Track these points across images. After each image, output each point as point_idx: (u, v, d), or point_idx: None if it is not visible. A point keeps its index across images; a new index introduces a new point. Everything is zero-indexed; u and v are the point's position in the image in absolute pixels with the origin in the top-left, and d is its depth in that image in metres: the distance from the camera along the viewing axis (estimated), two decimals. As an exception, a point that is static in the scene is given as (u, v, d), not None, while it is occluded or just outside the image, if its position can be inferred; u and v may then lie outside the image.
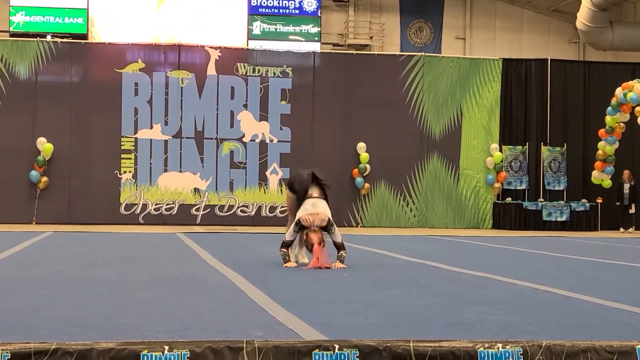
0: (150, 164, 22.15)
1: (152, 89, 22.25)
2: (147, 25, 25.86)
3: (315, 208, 9.91)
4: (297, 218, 9.82)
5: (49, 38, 23.83)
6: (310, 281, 8.40)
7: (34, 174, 21.47)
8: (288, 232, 9.93)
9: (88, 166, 21.94)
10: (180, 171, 22.19)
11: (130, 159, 22.08)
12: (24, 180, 21.53)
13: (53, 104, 21.91)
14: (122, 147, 22.07)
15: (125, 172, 22.05)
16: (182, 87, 22.38)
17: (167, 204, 22.15)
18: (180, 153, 22.26)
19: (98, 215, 21.63)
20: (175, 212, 22.15)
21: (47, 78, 22.13)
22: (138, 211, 21.99)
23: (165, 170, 22.21)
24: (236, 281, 8.16)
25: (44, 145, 21.43)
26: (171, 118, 22.28)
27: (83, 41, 24.02)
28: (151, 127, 22.21)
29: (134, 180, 22.04)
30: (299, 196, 10.07)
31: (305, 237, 9.72)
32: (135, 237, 16.45)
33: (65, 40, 23.46)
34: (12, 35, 24.89)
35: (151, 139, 22.17)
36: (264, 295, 7.01)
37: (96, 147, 22.04)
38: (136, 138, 22.11)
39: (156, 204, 22.09)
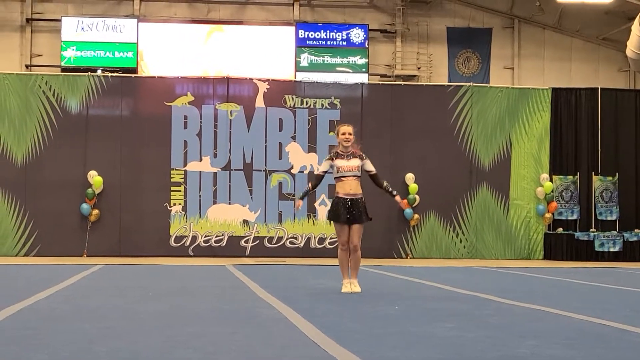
0: (200, 196, 22.26)
1: (201, 122, 22.41)
2: (196, 59, 26.10)
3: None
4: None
5: (99, 72, 24.14)
6: (361, 314, 8.34)
7: (85, 206, 21.67)
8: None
9: (138, 199, 22.09)
10: (230, 203, 22.26)
11: (180, 191, 22.21)
12: (75, 213, 21.73)
13: (104, 137, 22.14)
14: (172, 180, 22.21)
15: (175, 204, 22.17)
16: (230, 120, 22.50)
17: (217, 236, 22.21)
18: (230, 185, 22.34)
19: (148, 247, 21.75)
20: (224, 244, 22.20)
21: (98, 112, 22.38)
22: (188, 243, 22.08)
23: (215, 202, 22.30)
24: (287, 314, 8.12)
25: (95, 178, 21.64)
26: (220, 150, 22.39)
27: (133, 75, 24.31)
28: (200, 160, 22.34)
29: (183, 213, 22.15)
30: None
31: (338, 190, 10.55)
32: (186, 269, 16.50)
33: (115, 74, 23.74)
34: (64, 69, 25.26)
35: (200, 172, 22.29)
36: (315, 328, 6.96)
37: (146, 179, 22.20)
38: (186, 170, 22.24)
39: (206, 236, 22.17)
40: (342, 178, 10.61)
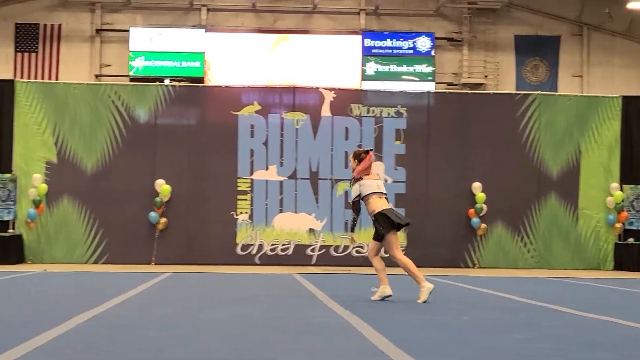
0: (266, 204, 22.34)
1: (267, 131, 22.50)
2: (263, 68, 26.25)
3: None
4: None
5: (167, 82, 24.42)
6: (429, 323, 8.30)
7: (153, 215, 21.89)
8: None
9: (205, 207, 22.24)
10: (296, 212, 22.30)
11: (246, 200, 22.32)
12: (144, 221, 21.96)
13: (171, 147, 22.35)
14: (238, 189, 22.32)
15: (241, 212, 22.28)
16: (297, 129, 22.56)
17: (283, 245, 22.27)
18: (296, 194, 22.38)
19: (215, 255, 21.87)
20: (290, 252, 22.25)
21: (166, 121, 22.60)
22: (254, 252, 22.17)
23: (281, 211, 22.36)
24: (355, 323, 8.11)
25: (162, 187, 21.85)
26: (286, 159, 22.46)
27: (200, 84, 24.52)
28: (267, 169, 22.42)
29: (250, 221, 22.25)
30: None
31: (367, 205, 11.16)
32: (252, 277, 16.57)
33: (183, 84, 23.97)
34: (132, 79, 25.60)
35: (267, 180, 22.38)
36: (383, 337, 6.94)
37: (213, 188, 22.35)
38: (252, 179, 22.33)
39: (272, 245, 22.25)
40: (373, 195, 11.23)
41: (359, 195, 11.21)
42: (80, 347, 6.41)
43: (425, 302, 10.67)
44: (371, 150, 11.74)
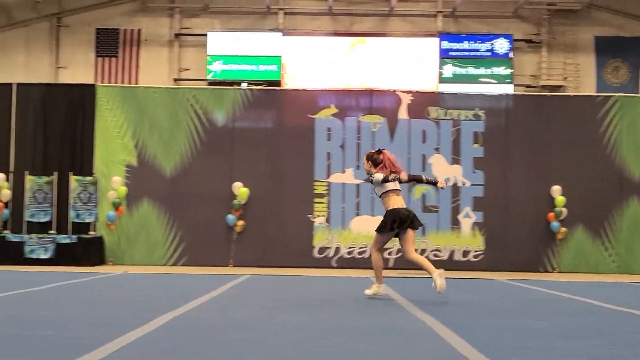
0: (343, 207, 22.33)
1: (344, 134, 22.49)
2: (339, 71, 26.25)
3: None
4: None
5: (244, 85, 24.57)
6: (510, 328, 8.18)
7: (230, 217, 22.04)
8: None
9: (282, 210, 22.32)
10: (373, 215, 22.22)
11: (323, 202, 22.34)
12: (221, 224, 22.13)
13: (249, 150, 22.49)
14: (315, 192, 22.35)
15: (318, 215, 22.31)
16: (373, 132, 22.51)
17: (360, 248, 22.23)
18: (372, 197, 22.31)
19: (291, 258, 21.93)
20: (367, 255, 22.17)
21: (243, 124, 22.74)
22: (331, 255, 22.18)
23: (358, 214, 22.33)
24: (435, 327, 8.03)
25: (240, 190, 21.99)
26: (363, 162, 22.37)
27: (277, 88, 24.62)
28: (343, 172, 22.41)
29: (327, 224, 22.26)
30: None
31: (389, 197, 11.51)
32: (329, 281, 16.56)
33: (260, 87, 24.10)
34: (210, 83, 25.82)
35: (344, 183, 22.37)
36: (464, 342, 6.86)
37: (290, 191, 22.41)
38: (329, 182, 22.35)
39: (349, 248, 22.22)
40: (391, 193, 11.63)
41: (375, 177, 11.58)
42: (160, 349, 6.46)
43: (367, 297, 11.63)
44: (383, 149, 12.04)
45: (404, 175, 11.67)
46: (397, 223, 11.38)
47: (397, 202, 11.52)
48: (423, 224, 11.92)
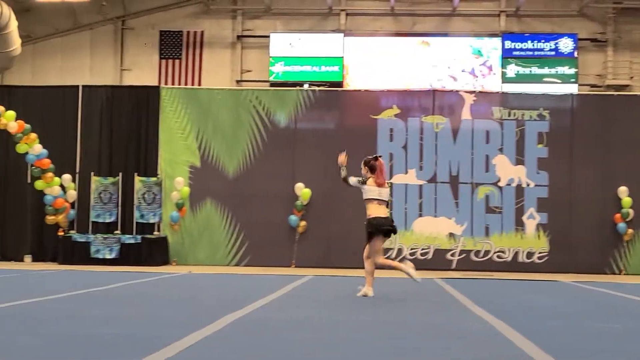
0: (405, 208, 22.24)
1: (407, 134, 22.41)
2: (401, 71, 26.14)
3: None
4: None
5: (306, 86, 24.59)
6: (579, 330, 8.06)
7: (293, 218, 22.09)
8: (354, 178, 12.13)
9: (344, 210, 22.26)
10: (435, 216, 22.13)
11: (385, 203, 22.25)
12: (284, 224, 22.18)
13: (311, 150, 22.52)
14: (378, 192, 22.26)
15: (380, 216, 22.21)
16: (436, 132, 22.39)
17: (423, 249, 22.13)
18: (435, 198, 22.21)
19: (354, 259, 21.73)
20: (430, 256, 22.08)
21: (305, 125, 22.78)
22: (393, 256, 22.09)
23: (420, 215, 22.23)
24: (501, 329, 7.94)
25: (302, 190, 22.02)
26: (426, 163, 22.31)
27: (339, 89, 24.60)
28: (406, 172, 22.33)
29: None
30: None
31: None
32: (392, 281, 16.48)
33: (322, 88, 24.11)
34: (272, 84, 25.89)
35: (406, 184, 22.28)
36: (532, 344, 6.77)
37: (352, 191, 22.25)
38: (391, 183, 22.28)
39: (411, 249, 22.13)
40: (374, 201, 11.95)
41: (355, 184, 12.15)
42: (227, 348, 6.48)
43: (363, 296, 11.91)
44: (380, 156, 12.47)
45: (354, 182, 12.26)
46: (375, 228, 11.83)
47: (377, 211, 11.89)
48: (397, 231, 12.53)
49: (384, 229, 11.90)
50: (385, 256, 21.86)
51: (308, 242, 22.21)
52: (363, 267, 21.10)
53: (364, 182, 12.07)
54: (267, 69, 26.73)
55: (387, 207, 12.16)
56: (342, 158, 12.57)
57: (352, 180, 12.20)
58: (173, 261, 22.10)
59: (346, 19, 27.29)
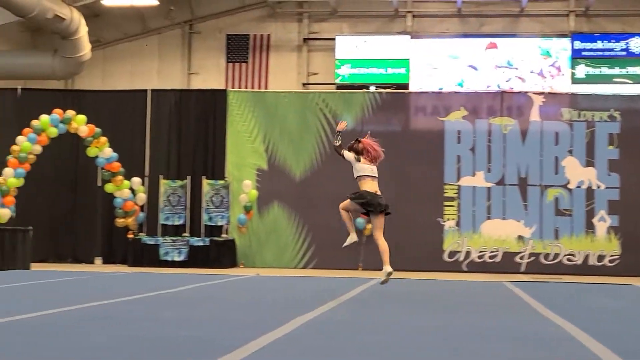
0: (473, 211, 22.08)
1: (474, 137, 22.25)
2: (469, 73, 25.96)
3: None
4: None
5: (372, 89, 24.55)
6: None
7: (359, 221, 22.02)
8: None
9: (411, 213, 22.19)
10: (504, 218, 21.93)
11: (453, 206, 22.14)
12: (351, 227, 22.11)
13: (377, 153, 22.43)
14: (445, 195, 22.18)
15: (448, 219, 22.12)
16: (504, 134, 22.20)
17: (491, 252, 21.94)
18: (504, 200, 22.02)
19: (421, 262, 21.79)
20: (499, 259, 21.89)
21: (372, 127, 22.67)
22: (461, 258, 21.95)
23: (489, 218, 22.05)
24: (574, 333, 7.83)
25: (370, 193, 21.96)
26: (494, 165, 22.12)
27: (406, 91, 24.52)
28: (474, 175, 22.17)
29: (457, 228, 22.05)
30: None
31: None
32: (461, 285, 16.39)
33: (388, 90, 24.05)
34: (338, 87, 25.89)
35: (474, 187, 22.12)
36: (607, 350, 6.65)
37: (419, 194, 22.28)
38: (459, 185, 22.14)
39: (480, 252, 21.96)
40: (367, 178, 12.43)
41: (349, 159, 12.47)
42: (299, 350, 6.49)
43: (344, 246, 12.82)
44: (360, 139, 12.73)
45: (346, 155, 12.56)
46: (362, 201, 12.34)
47: (370, 186, 12.40)
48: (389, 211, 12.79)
49: (375, 206, 12.35)
50: (453, 259, 21.84)
51: (375, 245, 22.05)
52: (429, 270, 21.16)
53: (358, 160, 12.42)
54: (333, 72, 26.73)
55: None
56: (342, 125, 12.95)
57: (347, 154, 12.50)
58: (240, 263, 22.23)
59: (412, 21, 27.19)
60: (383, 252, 12.38)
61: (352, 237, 12.73)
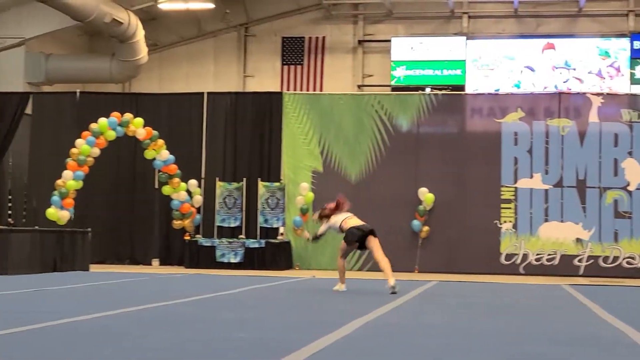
0: (531, 213, 21.86)
1: (532, 138, 22.03)
2: (526, 74, 25.75)
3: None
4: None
5: (427, 90, 24.45)
6: None
7: (415, 223, 21.97)
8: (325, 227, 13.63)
9: (468, 216, 22.06)
10: (562, 221, 21.69)
11: (510, 208, 21.94)
12: (406, 229, 22.08)
13: (433, 155, 22.37)
14: (502, 197, 21.99)
15: (505, 221, 21.93)
16: (562, 136, 21.95)
17: (549, 254, 21.70)
18: (562, 202, 21.77)
19: (478, 265, 21.63)
20: (556, 262, 21.64)
21: (428, 129, 22.64)
22: (518, 261, 21.75)
23: (546, 220, 21.81)
24: (636, 338, 7.69)
25: (426, 195, 21.88)
26: (552, 167, 21.89)
27: (462, 92, 24.38)
28: (531, 177, 21.95)
29: (514, 230, 21.85)
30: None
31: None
32: (519, 287, 16.23)
33: (444, 92, 23.93)
34: (394, 89, 25.83)
35: (531, 189, 21.90)
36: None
37: (475, 196, 22.13)
38: (516, 187, 21.94)
39: (537, 254, 21.73)
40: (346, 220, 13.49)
41: (326, 231, 13.65)
42: (357, 352, 6.47)
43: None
44: (322, 208, 13.89)
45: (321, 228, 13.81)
46: (355, 238, 13.32)
47: (354, 221, 13.46)
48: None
49: (359, 237, 13.30)
50: (510, 262, 21.64)
51: (431, 247, 22.05)
52: (486, 273, 20.99)
53: (330, 223, 13.46)
54: (389, 74, 26.70)
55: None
56: (306, 234, 15.05)
57: (322, 229, 13.69)
58: (296, 265, 22.25)
59: (468, 22, 27.08)
60: (385, 269, 13.14)
61: (342, 287, 13.61)
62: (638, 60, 25.10)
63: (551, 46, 25.99)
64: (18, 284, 13.75)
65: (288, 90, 26.56)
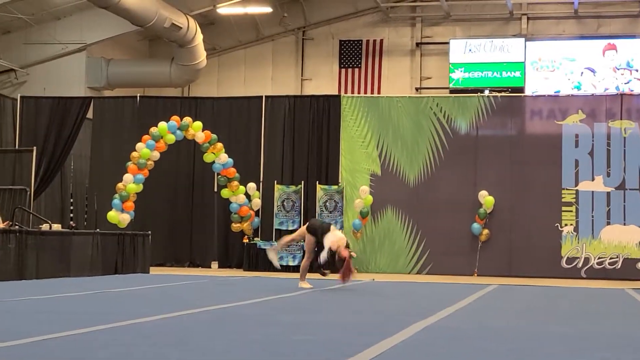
0: (592, 216, 21.59)
1: (593, 140, 21.77)
2: (587, 75, 25.45)
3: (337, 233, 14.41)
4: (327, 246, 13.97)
5: (486, 92, 24.27)
6: None
7: (475, 226, 21.82)
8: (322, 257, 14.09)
9: (528, 219, 21.87)
10: (624, 224, 21.37)
11: (571, 211, 21.70)
12: (466, 233, 21.94)
13: (493, 157, 22.21)
14: (563, 200, 21.75)
15: (566, 224, 21.68)
16: (624, 137, 21.64)
17: (611, 258, 21.41)
18: (624, 205, 21.46)
19: (538, 268, 21.43)
20: (619, 266, 21.34)
21: (487, 132, 22.48)
22: (580, 265, 21.49)
23: (608, 223, 21.52)
24: None
25: (486, 198, 21.73)
26: (613, 169, 21.60)
27: (521, 94, 24.17)
28: (592, 179, 21.68)
29: (575, 234, 21.59)
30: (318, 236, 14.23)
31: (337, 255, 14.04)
32: (580, 291, 16.03)
33: (503, 94, 23.74)
34: (452, 91, 25.70)
35: (593, 191, 21.63)
36: None
37: (536, 199, 21.93)
38: (577, 190, 21.69)
39: (599, 258, 21.45)
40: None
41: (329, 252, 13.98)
42: (420, 355, 6.41)
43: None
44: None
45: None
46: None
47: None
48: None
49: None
50: (571, 265, 21.37)
51: (491, 251, 21.88)
52: (547, 277, 20.77)
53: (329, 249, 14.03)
54: (447, 76, 26.58)
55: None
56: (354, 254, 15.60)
57: (323, 255, 14.10)
58: (354, 268, 22.18)
59: (527, 23, 26.85)
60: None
61: (304, 285, 14.50)
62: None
63: (612, 47, 25.66)
64: (80, 286, 13.91)
65: (346, 93, 26.57)
